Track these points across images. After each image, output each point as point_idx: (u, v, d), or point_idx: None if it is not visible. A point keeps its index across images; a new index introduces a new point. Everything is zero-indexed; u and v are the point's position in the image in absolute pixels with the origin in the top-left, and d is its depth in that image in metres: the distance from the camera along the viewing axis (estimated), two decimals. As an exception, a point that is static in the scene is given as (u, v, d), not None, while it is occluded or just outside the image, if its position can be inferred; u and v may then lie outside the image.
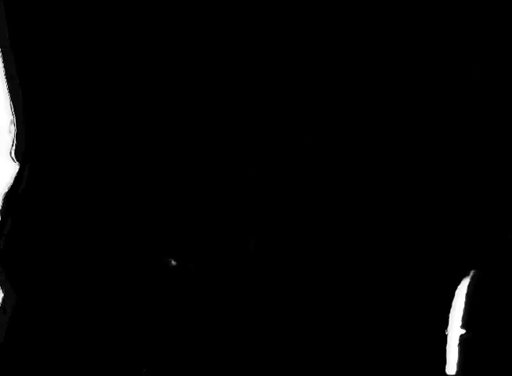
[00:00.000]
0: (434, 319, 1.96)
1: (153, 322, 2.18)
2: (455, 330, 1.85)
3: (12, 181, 2.23)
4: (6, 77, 2.11)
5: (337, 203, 2.23)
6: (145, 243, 2.29)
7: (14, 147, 2.21)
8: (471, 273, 1.94)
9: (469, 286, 1.89)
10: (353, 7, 2.31)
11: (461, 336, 1.86)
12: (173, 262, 2.23)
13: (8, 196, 2.32)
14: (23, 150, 2.23)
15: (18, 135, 2.35)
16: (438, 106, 2.30)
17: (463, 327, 1.85)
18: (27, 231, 2.33)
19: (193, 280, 2.22)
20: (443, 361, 1.86)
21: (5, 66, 2.10)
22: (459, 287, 1.96)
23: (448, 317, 1.91)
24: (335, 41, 2.37)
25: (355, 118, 2.36)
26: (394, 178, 2.23)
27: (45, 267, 2.27)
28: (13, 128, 2.24)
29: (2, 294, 2.10)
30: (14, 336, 2.19)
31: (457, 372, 1.79)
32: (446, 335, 1.88)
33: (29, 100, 2.26)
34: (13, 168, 2.21)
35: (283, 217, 2.24)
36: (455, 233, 2.10)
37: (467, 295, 1.89)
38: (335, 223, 2.19)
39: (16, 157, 2.24)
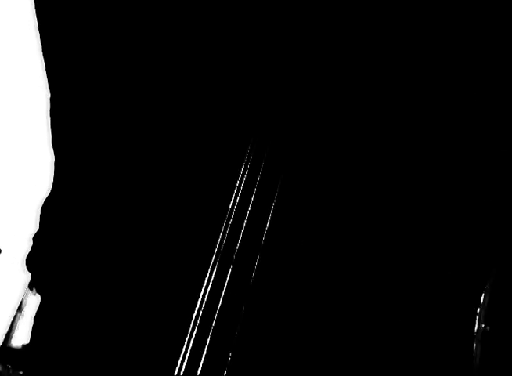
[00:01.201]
0: (454, 317, 1.94)
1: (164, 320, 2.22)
2: (476, 326, 1.81)
3: (50, 185, 2.32)
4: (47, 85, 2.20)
5: (336, 203, 2.25)
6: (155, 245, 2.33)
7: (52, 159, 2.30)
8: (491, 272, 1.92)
9: (488, 284, 1.87)
10: (354, 11, 2.33)
11: (481, 331, 1.82)
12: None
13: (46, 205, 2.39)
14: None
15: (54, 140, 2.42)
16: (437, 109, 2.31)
17: (483, 322, 1.82)
18: (53, 236, 2.40)
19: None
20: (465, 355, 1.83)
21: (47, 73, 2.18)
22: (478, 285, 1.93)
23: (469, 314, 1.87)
24: (335, 46, 2.38)
25: (355, 120, 2.38)
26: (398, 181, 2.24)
27: (69, 270, 2.35)
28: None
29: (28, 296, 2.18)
30: (39, 334, 2.25)
31: (478, 365, 1.75)
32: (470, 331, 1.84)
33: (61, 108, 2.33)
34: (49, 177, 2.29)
35: (283, 216, 2.25)
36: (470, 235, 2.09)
37: (486, 293, 1.86)
38: (336, 224, 2.21)
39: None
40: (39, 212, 2.65)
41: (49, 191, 2.60)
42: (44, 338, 2.29)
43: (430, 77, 2.37)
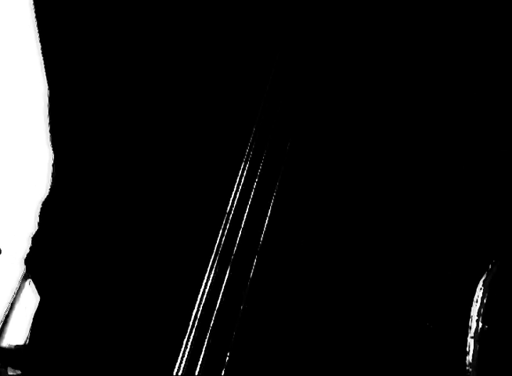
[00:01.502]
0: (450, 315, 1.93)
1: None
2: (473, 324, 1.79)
3: (48, 184, 2.31)
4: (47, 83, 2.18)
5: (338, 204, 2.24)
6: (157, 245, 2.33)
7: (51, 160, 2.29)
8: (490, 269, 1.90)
9: (485, 282, 1.85)
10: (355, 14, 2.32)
11: (478, 330, 1.80)
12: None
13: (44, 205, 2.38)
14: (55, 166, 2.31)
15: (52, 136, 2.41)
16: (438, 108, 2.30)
17: (480, 321, 1.81)
18: (53, 236, 2.39)
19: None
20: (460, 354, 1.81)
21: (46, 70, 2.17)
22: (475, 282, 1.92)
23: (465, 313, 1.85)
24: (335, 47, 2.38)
25: (354, 120, 2.38)
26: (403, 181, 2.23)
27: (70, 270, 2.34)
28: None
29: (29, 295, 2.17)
30: (38, 333, 2.24)
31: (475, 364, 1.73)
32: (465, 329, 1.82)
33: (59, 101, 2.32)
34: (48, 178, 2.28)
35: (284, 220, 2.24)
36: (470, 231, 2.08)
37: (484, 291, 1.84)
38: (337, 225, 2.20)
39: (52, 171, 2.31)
40: (38, 212, 2.64)
41: (48, 191, 2.59)
42: (43, 338, 2.29)
43: (430, 77, 2.36)
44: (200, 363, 2.00)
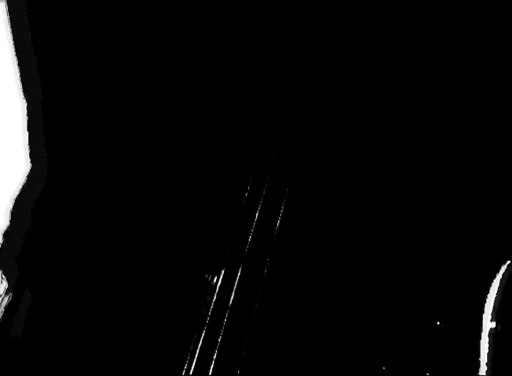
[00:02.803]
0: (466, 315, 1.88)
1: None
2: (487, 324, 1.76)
3: (23, 181, 2.20)
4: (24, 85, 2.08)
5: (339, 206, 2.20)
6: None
7: (27, 148, 2.18)
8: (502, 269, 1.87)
9: (501, 282, 1.82)
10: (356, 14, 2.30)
11: (492, 329, 1.77)
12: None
13: (18, 197, 2.27)
14: (35, 152, 2.19)
15: (31, 135, 2.30)
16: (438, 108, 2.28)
17: (493, 320, 1.78)
18: (36, 232, 2.27)
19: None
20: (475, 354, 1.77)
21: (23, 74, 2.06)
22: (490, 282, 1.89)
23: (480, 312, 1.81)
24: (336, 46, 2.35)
25: (358, 125, 2.35)
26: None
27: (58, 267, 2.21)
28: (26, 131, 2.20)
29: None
30: (28, 331, 2.13)
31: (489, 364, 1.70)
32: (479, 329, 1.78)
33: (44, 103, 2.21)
34: (25, 167, 2.16)
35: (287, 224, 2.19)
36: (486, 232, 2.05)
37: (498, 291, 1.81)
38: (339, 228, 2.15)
39: (29, 156, 2.20)
40: (10, 209, 2.56)
41: (20, 189, 2.50)
42: (34, 335, 2.21)
43: (431, 78, 2.36)
44: (211, 363, 1.92)
